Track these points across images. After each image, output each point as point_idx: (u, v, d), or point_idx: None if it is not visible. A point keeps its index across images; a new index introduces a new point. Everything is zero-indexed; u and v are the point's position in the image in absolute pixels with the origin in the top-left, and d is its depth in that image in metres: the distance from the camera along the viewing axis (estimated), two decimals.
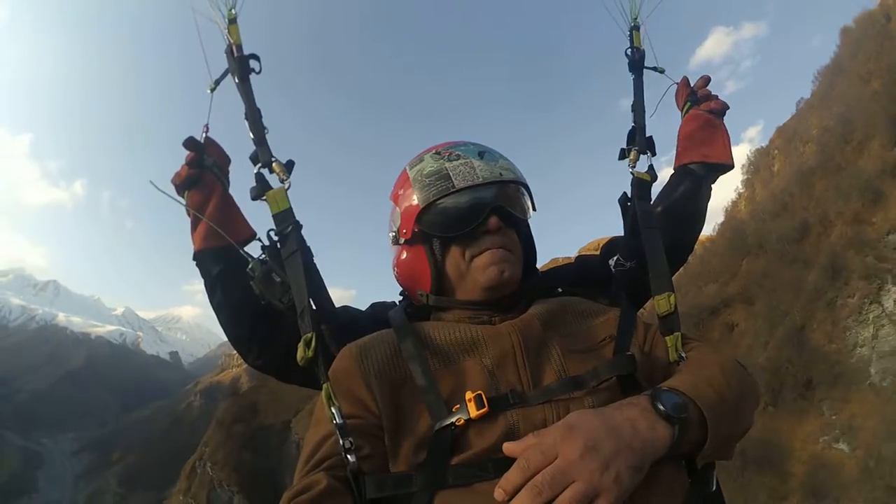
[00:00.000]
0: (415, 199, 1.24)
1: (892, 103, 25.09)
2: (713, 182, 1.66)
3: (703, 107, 1.65)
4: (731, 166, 1.63)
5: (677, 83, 1.75)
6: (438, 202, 1.21)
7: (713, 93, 1.68)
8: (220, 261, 1.46)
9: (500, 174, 1.23)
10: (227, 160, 1.55)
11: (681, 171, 1.64)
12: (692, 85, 1.71)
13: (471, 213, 1.20)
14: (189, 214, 1.49)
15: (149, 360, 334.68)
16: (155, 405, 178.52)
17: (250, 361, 1.48)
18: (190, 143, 1.46)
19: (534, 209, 1.34)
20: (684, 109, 1.71)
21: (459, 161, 1.23)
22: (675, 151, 1.68)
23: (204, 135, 1.50)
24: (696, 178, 1.61)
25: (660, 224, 1.38)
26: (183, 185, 1.47)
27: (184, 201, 1.48)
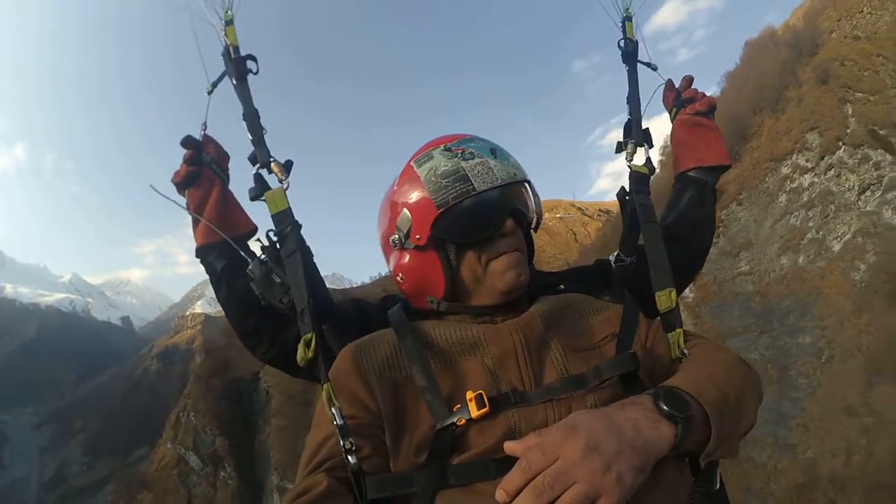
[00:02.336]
0: (429, 202, 1.17)
1: None
2: (715, 184, 1.65)
3: (689, 109, 1.65)
4: (728, 165, 1.65)
5: (671, 81, 1.74)
6: (457, 206, 1.16)
7: (697, 95, 1.67)
8: (225, 256, 1.49)
9: (514, 174, 1.21)
10: (226, 156, 1.57)
11: (682, 180, 1.65)
12: (677, 87, 1.71)
13: (491, 217, 1.17)
14: (189, 212, 1.51)
15: (100, 327, 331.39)
16: (110, 372, 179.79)
17: (259, 355, 1.51)
18: (187, 141, 1.49)
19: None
20: (672, 114, 1.72)
21: (475, 161, 1.18)
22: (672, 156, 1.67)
23: (202, 133, 1.52)
24: (699, 183, 1.62)
25: (670, 230, 1.41)
26: (183, 183, 1.50)
27: (184, 201, 1.51)
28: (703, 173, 1.62)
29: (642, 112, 1.58)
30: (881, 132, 25.51)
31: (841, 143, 26.04)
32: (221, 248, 1.49)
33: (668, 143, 1.63)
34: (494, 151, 1.22)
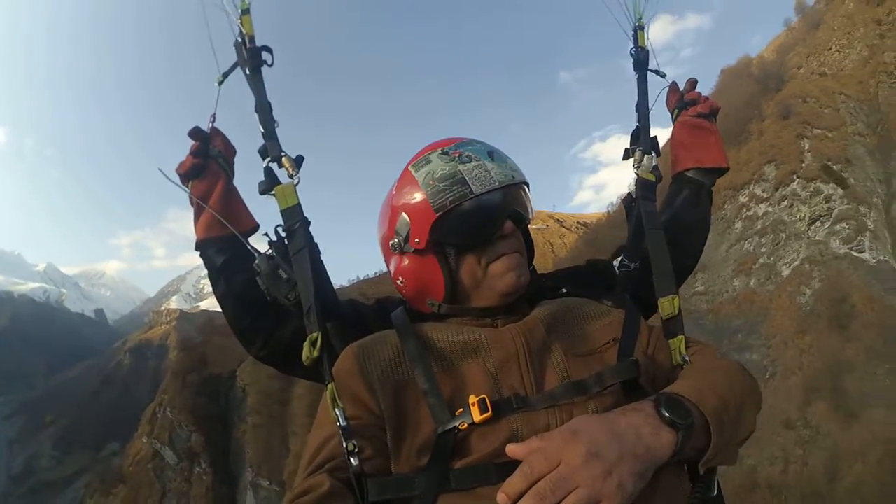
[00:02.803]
0: (427, 206, 1.17)
1: None
2: (712, 185, 1.65)
3: (690, 111, 1.65)
4: (726, 168, 1.63)
5: (678, 88, 1.73)
6: (455, 209, 1.16)
7: (700, 97, 1.67)
8: (224, 251, 1.47)
9: (513, 176, 1.20)
10: (233, 151, 1.55)
11: (679, 180, 1.65)
12: (681, 89, 1.71)
13: (490, 220, 1.17)
14: (192, 204, 1.50)
15: (74, 319, 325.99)
16: (83, 365, 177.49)
17: (254, 353, 1.48)
18: (195, 132, 1.47)
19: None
20: (674, 115, 1.70)
21: (472, 164, 1.18)
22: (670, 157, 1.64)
23: (210, 125, 1.50)
24: (695, 184, 1.61)
25: (664, 229, 1.38)
26: (188, 174, 1.48)
27: (188, 190, 1.49)
28: (700, 175, 1.61)
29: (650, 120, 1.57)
30: (834, 167, 27.47)
31: (795, 176, 28.10)
32: (222, 243, 1.47)
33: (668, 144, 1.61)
34: (492, 154, 1.22)
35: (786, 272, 26.91)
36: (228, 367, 48.94)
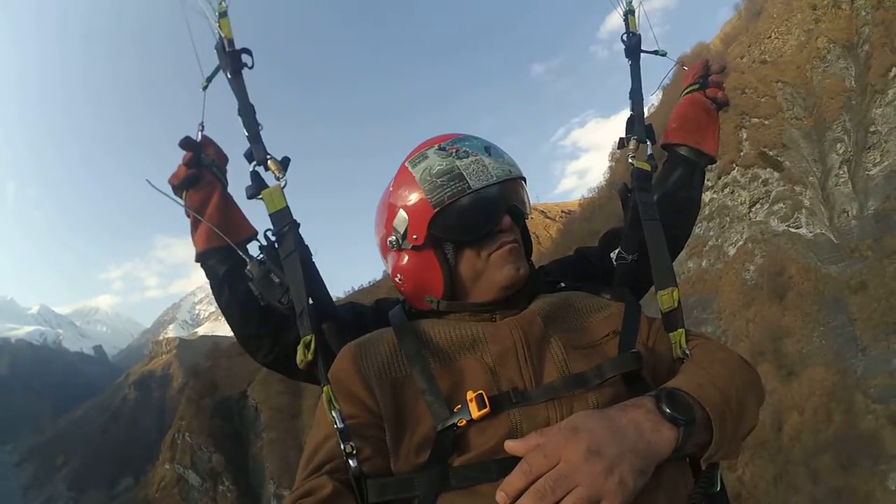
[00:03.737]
0: (425, 202, 1.16)
1: None
2: (705, 168, 1.61)
3: (708, 93, 1.60)
4: (716, 161, 1.61)
5: (683, 65, 1.71)
6: (453, 204, 1.15)
7: (722, 85, 1.64)
8: (227, 260, 1.45)
9: (510, 171, 1.20)
10: (225, 159, 1.54)
11: (673, 158, 1.60)
12: (709, 67, 1.64)
13: (488, 215, 1.16)
14: (188, 216, 1.48)
15: (73, 358, 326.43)
16: (88, 403, 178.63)
17: (259, 359, 1.47)
18: (186, 142, 1.46)
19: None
20: (688, 89, 1.64)
21: (470, 159, 1.17)
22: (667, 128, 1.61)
23: (200, 133, 1.49)
24: (689, 164, 1.57)
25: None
26: (181, 185, 1.46)
27: (182, 202, 1.48)
28: (694, 154, 1.56)
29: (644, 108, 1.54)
30: (770, 153, 30.42)
31: (734, 165, 31.18)
32: (223, 253, 1.45)
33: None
34: (489, 149, 1.20)
35: (732, 252, 30.04)
36: (238, 389, 51.46)
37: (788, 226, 28.47)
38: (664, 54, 1.66)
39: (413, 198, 1.19)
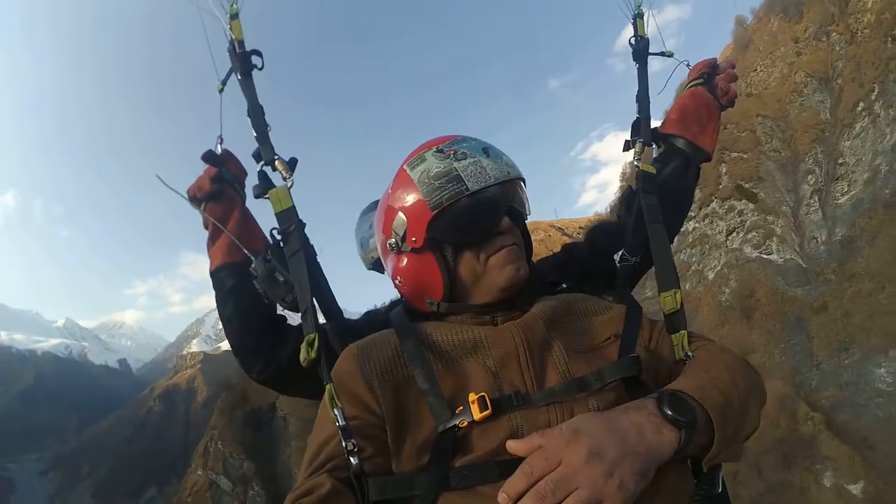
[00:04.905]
0: (423, 204, 1.16)
1: None
2: (700, 162, 1.61)
3: (717, 89, 1.61)
4: (710, 158, 1.61)
5: (687, 64, 1.68)
6: (451, 207, 1.14)
7: (730, 83, 1.63)
8: (236, 275, 1.46)
9: (508, 172, 1.19)
10: (245, 173, 1.54)
11: (670, 149, 1.59)
12: (717, 66, 1.64)
13: (486, 216, 1.15)
14: (207, 227, 1.50)
15: (98, 371, 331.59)
16: (113, 416, 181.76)
17: (254, 375, 1.47)
18: (210, 156, 1.47)
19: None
20: (692, 83, 1.65)
21: (468, 161, 1.16)
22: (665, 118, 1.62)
23: (219, 146, 1.49)
24: (686, 157, 1.57)
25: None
26: (204, 198, 1.47)
27: (201, 212, 1.49)
28: (691, 148, 1.57)
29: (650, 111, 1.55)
30: (746, 185, 33.53)
31: (714, 197, 34.41)
32: (234, 268, 1.46)
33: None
34: (487, 150, 1.20)
35: (710, 276, 33.35)
36: (267, 401, 54.88)
37: (760, 252, 31.40)
38: (671, 55, 1.65)
39: (411, 200, 1.18)
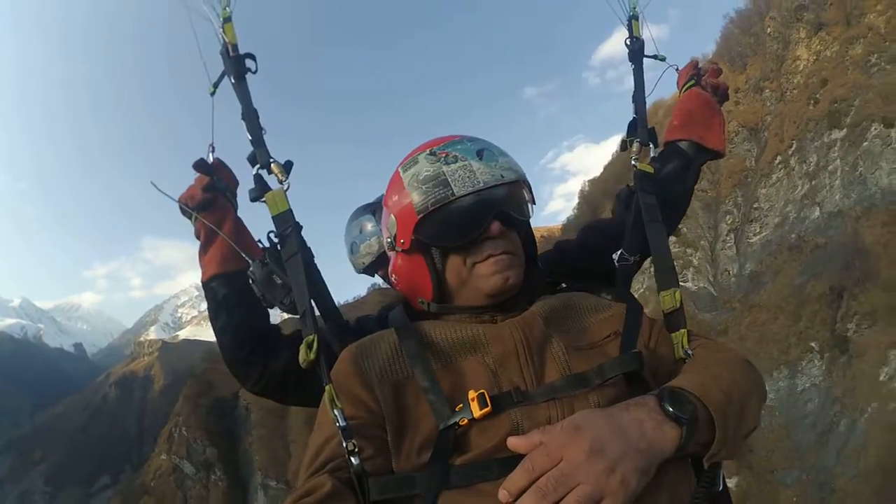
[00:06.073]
0: (411, 207, 1.16)
1: None
2: (702, 165, 1.62)
3: (709, 86, 1.62)
4: (723, 154, 1.61)
5: (677, 69, 1.70)
6: (437, 211, 1.14)
7: (719, 77, 1.65)
8: (228, 285, 1.46)
9: (501, 175, 1.16)
10: (236, 182, 1.55)
11: (671, 150, 1.60)
12: (699, 65, 1.67)
13: (472, 222, 1.14)
14: (199, 237, 1.50)
15: (53, 354, 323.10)
16: (67, 400, 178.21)
17: (249, 386, 1.47)
18: (201, 165, 1.47)
19: (533, 203, 1.26)
20: (685, 86, 1.66)
21: (457, 164, 1.15)
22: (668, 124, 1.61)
23: (211, 155, 1.50)
24: (686, 158, 1.58)
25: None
26: (195, 207, 1.47)
27: (192, 221, 1.50)
28: (694, 150, 1.58)
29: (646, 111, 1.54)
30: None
31: None
32: (227, 278, 1.47)
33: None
34: (481, 153, 1.18)
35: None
36: (231, 391, 57.37)
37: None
38: (663, 59, 1.67)
39: (401, 203, 1.19)
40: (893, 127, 28.42)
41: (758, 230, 33.98)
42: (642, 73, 1.60)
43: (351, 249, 2.23)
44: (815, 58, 34.89)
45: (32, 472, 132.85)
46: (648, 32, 1.62)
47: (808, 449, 23.76)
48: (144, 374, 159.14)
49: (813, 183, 31.30)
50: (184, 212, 1.51)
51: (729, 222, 36.16)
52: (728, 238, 35.36)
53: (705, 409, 0.94)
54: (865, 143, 29.22)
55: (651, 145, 1.54)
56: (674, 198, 1.58)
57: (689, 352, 1.16)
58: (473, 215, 1.15)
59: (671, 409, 0.91)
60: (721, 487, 1.03)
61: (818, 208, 30.79)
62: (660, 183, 1.52)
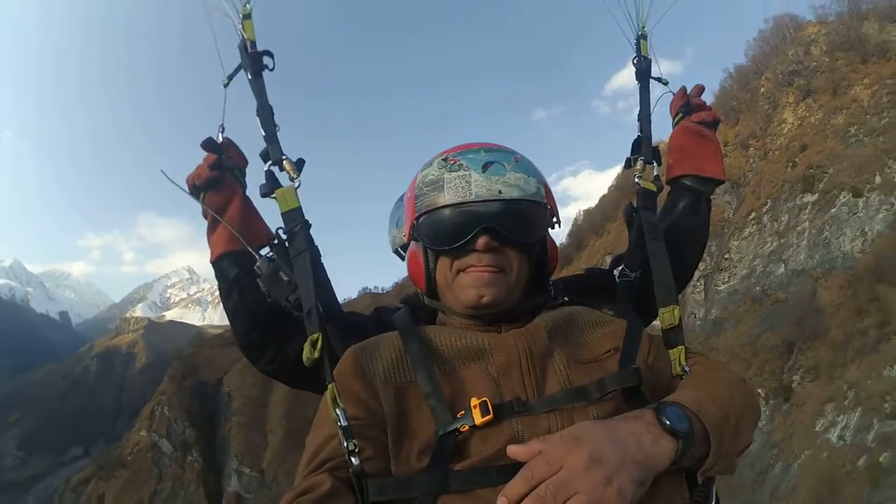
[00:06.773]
0: (413, 205, 1.21)
1: None
2: (710, 194, 1.63)
3: (694, 117, 1.64)
4: (723, 181, 1.62)
5: (672, 93, 1.71)
6: (428, 214, 1.17)
7: (705, 104, 1.67)
8: (239, 264, 1.45)
9: (499, 191, 1.14)
10: (245, 162, 1.54)
11: (677, 188, 1.63)
12: (688, 93, 1.69)
13: (458, 231, 1.14)
14: (206, 216, 1.49)
15: (38, 320, 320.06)
16: (47, 367, 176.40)
17: (261, 367, 1.48)
18: (209, 144, 1.46)
19: (557, 222, 1.28)
20: (676, 119, 1.69)
21: (458, 173, 1.16)
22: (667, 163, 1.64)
23: (221, 135, 1.49)
24: (694, 193, 1.60)
25: (664, 236, 1.36)
26: (203, 186, 1.47)
27: (200, 202, 1.48)
28: (698, 183, 1.59)
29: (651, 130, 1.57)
30: None
31: None
32: (236, 256, 1.46)
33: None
34: (488, 166, 1.16)
35: None
36: (215, 376, 59.34)
37: None
38: (666, 83, 1.67)
39: (410, 198, 1.24)
40: (861, 196, 30.37)
41: (726, 279, 35.78)
42: (648, 92, 1.63)
43: (396, 224, 2.21)
44: (799, 122, 36.69)
45: (5, 435, 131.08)
46: (653, 54, 1.67)
47: (745, 486, 25.24)
48: (127, 350, 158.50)
49: (781, 241, 33.10)
50: (192, 192, 1.51)
51: (701, 269, 37.16)
52: (698, 284, 37.02)
53: (701, 424, 0.96)
54: (833, 210, 31.06)
55: (655, 164, 1.56)
56: (691, 232, 1.62)
57: (687, 368, 1.18)
58: (457, 225, 1.15)
59: (668, 423, 0.93)
60: (714, 501, 1.06)
61: (783, 265, 32.62)
62: (676, 223, 1.59)
